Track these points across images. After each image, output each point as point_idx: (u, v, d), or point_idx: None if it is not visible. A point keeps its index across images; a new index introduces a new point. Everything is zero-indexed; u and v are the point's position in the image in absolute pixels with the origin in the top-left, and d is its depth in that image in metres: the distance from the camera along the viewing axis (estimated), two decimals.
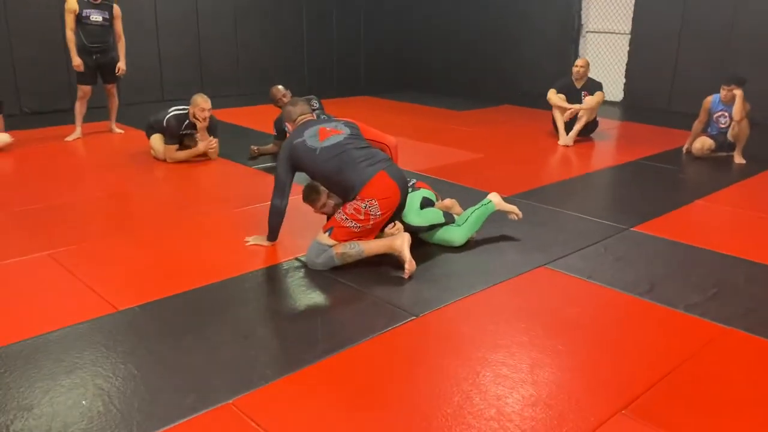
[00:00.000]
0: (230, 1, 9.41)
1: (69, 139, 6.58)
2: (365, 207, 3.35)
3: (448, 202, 4.05)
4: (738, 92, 5.75)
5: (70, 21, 6.29)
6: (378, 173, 3.38)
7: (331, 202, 3.65)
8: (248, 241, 3.79)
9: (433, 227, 3.74)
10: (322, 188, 3.64)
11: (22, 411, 2.25)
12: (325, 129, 3.57)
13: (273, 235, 3.73)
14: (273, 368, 2.54)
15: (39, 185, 5.04)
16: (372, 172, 3.38)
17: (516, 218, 3.97)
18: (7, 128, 6.30)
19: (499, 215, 3.97)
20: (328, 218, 3.68)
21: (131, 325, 2.88)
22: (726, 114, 5.94)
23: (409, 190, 3.73)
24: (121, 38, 6.63)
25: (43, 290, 3.22)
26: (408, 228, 3.62)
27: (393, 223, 3.57)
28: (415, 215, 3.70)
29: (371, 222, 3.39)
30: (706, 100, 6.08)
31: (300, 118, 3.74)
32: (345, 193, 3.43)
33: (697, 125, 6.15)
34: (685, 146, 6.29)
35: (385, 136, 3.79)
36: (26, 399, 2.32)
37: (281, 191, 3.58)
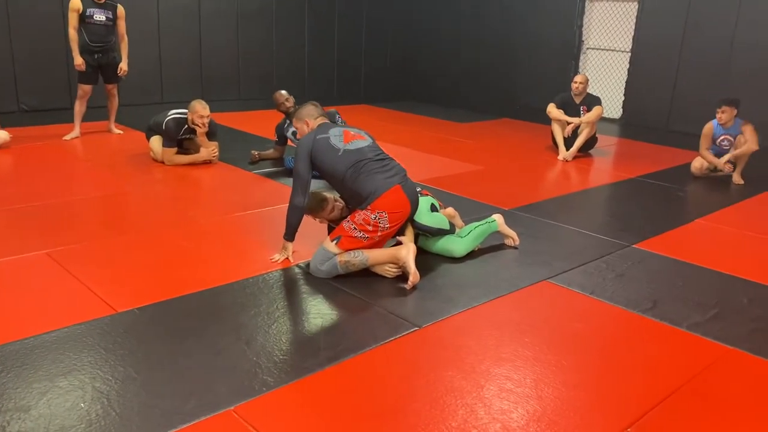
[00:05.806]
0: (232, 5, 9.42)
1: (67, 138, 6.54)
2: (375, 218, 3.33)
3: (450, 210, 4.04)
4: (748, 127, 5.77)
5: (73, 20, 6.26)
6: (393, 187, 3.36)
7: (339, 205, 3.61)
8: (276, 259, 3.60)
9: (440, 231, 3.74)
10: (328, 194, 3.61)
11: (19, 412, 2.20)
12: (349, 132, 3.55)
13: (292, 234, 3.59)
14: (274, 375, 2.51)
15: (37, 183, 4.99)
16: (388, 185, 3.36)
17: (513, 244, 4.02)
18: (4, 125, 6.26)
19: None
20: (330, 229, 3.65)
21: (130, 327, 2.83)
22: (729, 137, 5.92)
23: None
24: (124, 39, 6.60)
25: (41, 289, 3.17)
26: (416, 227, 3.63)
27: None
28: (426, 216, 3.70)
29: (379, 233, 3.37)
30: (706, 126, 5.99)
31: (320, 119, 3.70)
32: (356, 200, 3.40)
33: (703, 151, 6.00)
34: (705, 166, 6.08)
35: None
36: (23, 400, 2.27)
37: (303, 188, 3.45)
